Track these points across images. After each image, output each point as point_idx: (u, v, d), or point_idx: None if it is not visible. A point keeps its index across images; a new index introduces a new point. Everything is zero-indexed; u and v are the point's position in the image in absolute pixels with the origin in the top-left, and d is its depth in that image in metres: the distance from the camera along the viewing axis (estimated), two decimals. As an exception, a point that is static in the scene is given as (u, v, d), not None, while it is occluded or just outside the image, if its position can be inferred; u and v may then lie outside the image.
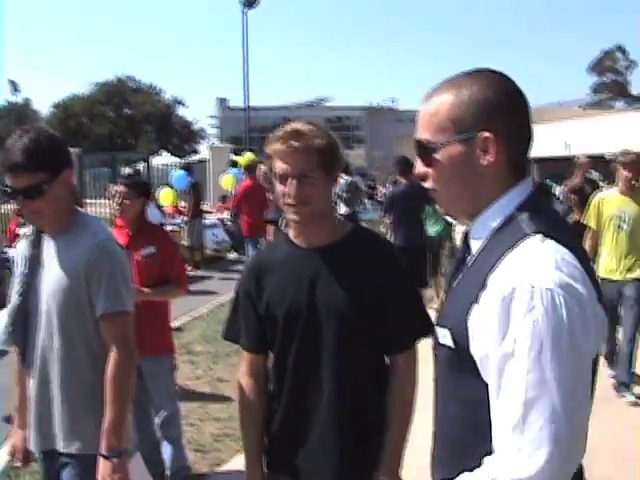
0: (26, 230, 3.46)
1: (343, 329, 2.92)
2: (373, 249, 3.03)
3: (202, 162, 27.69)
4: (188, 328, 11.59)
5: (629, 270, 7.91)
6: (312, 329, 2.94)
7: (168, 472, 5.70)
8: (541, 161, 11.84)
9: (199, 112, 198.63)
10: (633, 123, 40.50)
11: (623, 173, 7.85)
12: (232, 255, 20.35)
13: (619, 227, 7.95)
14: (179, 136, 73.90)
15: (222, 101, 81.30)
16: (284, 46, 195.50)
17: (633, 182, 7.87)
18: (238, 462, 6.27)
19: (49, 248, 3.32)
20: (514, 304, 1.75)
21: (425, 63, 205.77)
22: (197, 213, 18.51)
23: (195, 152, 45.30)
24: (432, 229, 10.72)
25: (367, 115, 75.11)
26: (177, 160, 29.15)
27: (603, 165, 14.52)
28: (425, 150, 2.01)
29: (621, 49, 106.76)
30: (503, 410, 1.76)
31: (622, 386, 7.90)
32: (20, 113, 71.80)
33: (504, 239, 1.88)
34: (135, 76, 77.21)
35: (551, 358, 1.70)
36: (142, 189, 5.77)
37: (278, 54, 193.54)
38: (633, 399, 7.84)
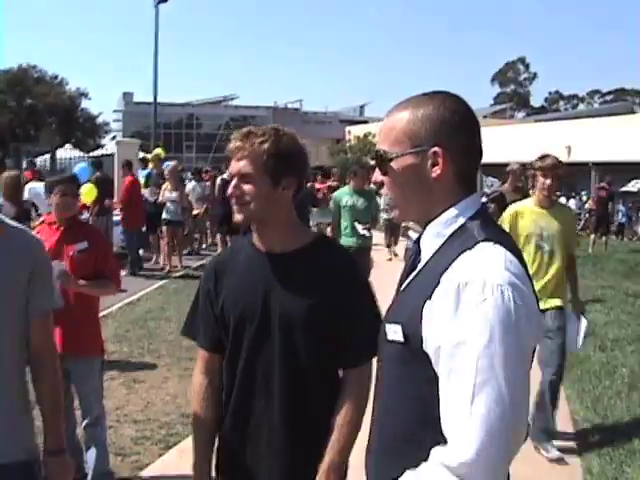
0: None
1: (292, 339, 2.91)
2: (331, 261, 3.03)
3: (108, 156, 27.21)
4: (99, 327, 11.33)
5: (550, 297, 6.78)
6: (263, 335, 2.94)
7: (89, 477, 5.59)
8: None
9: (103, 106, 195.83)
10: (532, 133, 41.76)
11: (542, 180, 6.72)
12: (140, 252, 20.09)
13: (539, 247, 6.83)
14: (83, 129, 72.31)
15: (127, 95, 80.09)
16: (192, 43, 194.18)
17: (551, 193, 6.84)
18: (160, 466, 6.25)
19: None
20: (467, 296, 1.90)
21: (330, 65, 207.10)
22: (103, 210, 18.07)
23: (100, 146, 44.51)
24: (347, 240, 10.70)
25: (272, 115, 74.98)
26: (82, 154, 28.63)
27: (501, 173, 14.86)
28: (382, 160, 2.20)
29: (523, 61, 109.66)
30: (453, 395, 1.88)
31: (544, 436, 6.75)
32: None
33: (457, 244, 2.04)
34: (38, 65, 75.53)
35: (499, 346, 1.84)
36: (79, 185, 5.91)
37: (185, 51, 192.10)
38: (557, 455, 6.67)
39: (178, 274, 17.03)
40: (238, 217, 2.96)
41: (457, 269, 1.97)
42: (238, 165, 2.90)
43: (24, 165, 24.90)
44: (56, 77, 75.25)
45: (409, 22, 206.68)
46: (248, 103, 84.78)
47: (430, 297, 1.99)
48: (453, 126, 2.12)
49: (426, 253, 2.17)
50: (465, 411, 1.84)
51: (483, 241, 2.02)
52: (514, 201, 8.67)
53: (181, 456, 6.14)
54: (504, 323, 1.85)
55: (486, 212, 2.20)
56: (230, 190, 2.93)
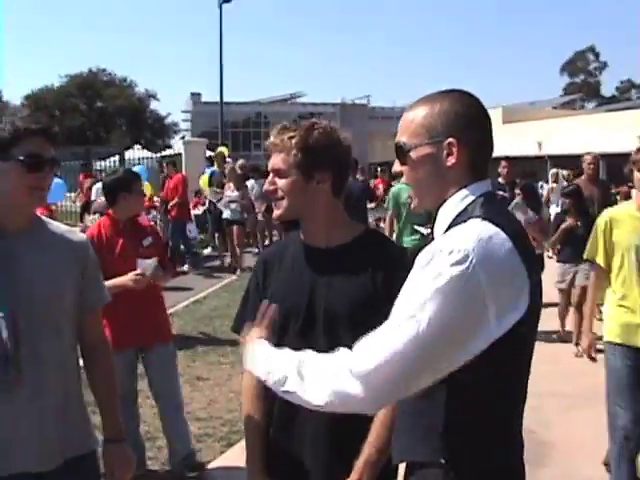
0: None
1: (337, 335, 2.85)
2: (380, 255, 2.98)
3: (177, 156, 27.45)
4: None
5: None
6: (307, 332, 2.91)
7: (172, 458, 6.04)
8: (512, 160, 11.93)
9: (172, 106, 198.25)
10: (604, 124, 40.86)
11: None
12: (206, 251, 20.25)
13: None
14: (152, 130, 73.58)
15: (195, 95, 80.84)
16: (258, 42, 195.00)
17: None
18: (221, 463, 6.27)
19: (15, 245, 3.03)
20: (434, 261, 2.09)
21: (398, 61, 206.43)
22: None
23: (168, 147, 45.01)
24: (407, 239, 10.51)
25: (340, 111, 74.98)
26: (150, 154, 28.97)
27: (575, 164, 14.51)
28: (402, 150, 2.40)
29: (593, 50, 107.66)
30: (387, 322, 2.17)
31: None
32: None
33: (456, 222, 2.25)
34: (108, 69, 76.79)
35: (441, 298, 2.04)
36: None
37: (252, 50, 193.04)
38: None
39: (244, 272, 17.08)
40: (275, 213, 2.99)
41: (437, 241, 2.19)
42: (272, 161, 2.94)
43: (95, 167, 25.31)
44: (125, 80, 76.68)
45: (475, 14, 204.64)
46: (315, 100, 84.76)
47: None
48: (466, 121, 2.33)
49: (437, 235, 2.34)
50: (382, 334, 2.14)
51: (474, 217, 2.20)
52: (592, 195, 8.23)
53: (243, 453, 6.08)
54: (456, 285, 2.04)
55: (491, 194, 2.37)
56: (265, 186, 2.99)
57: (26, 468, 3.02)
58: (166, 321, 6.29)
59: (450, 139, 2.30)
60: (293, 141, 2.88)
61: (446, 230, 2.27)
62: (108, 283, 5.30)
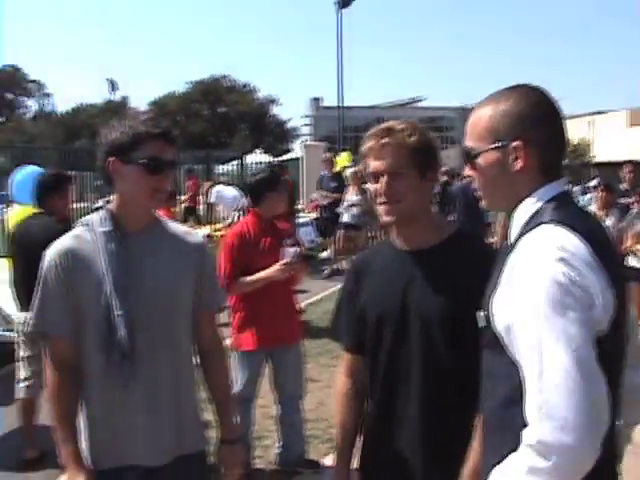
0: (97, 221, 3.12)
1: (431, 338, 2.84)
2: (471, 255, 2.90)
3: (295, 160, 27.69)
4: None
5: None
6: (401, 335, 2.90)
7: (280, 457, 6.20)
8: (638, 165, 11.54)
9: (293, 111, 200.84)
10: None
11: None
12: (324, 254, 20.28)
13: None
14: (273, 135, 74.59)
15: (315, 100, 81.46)
16: (378, 46, 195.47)
17: None
18: (325, 465, 6.23)
19: (135, 245, 3.11)
20: (516, 278, 2.02)
21: (520, 63, 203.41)
22: (291, 211, 18.43)
23: (288, 151, 45.50)
24: None
25: (460, 116, 74.39)
26: (270, 159, 29.30)
27: None
28: (469, 156, 2.32)
29: None
30: (524, 375, 1.96)
31: None
32: (117, 111, 73.32)
33: (527, 228, 2.14)
34: (230, 75, 78.11)
35: (556, 321, 1.89)
36: None
37: (372, 54, 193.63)
38: None
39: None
40: (388, 218, 2.88)
41: (516, 252, 2.08)
42: (386, 162, 2.83)
43: (217, 170, 25.78)
44: (247, 85, 77.84)
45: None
46: (436, 104, 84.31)
47: (499, 282, 2.13)
48: (533, 119, 2.20)
49: (512, 241, 2.24)
50: (534, 388, 1.90)
51: (546, 223, 2.08)
52: None
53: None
54: (549, 301, 1.91)
55: (565, 195, 2.24)
56: (381, 189, 2.85)
57: (138, 462, 3.10)
58: (299, 321, 6.43)
59: (516, 142, 2.19)
60: (411, 139, 2.82)
61: (518, 237, 2.18)
62: (253, 277, 5.60)
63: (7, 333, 10.08)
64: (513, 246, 2.15)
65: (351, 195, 16.88)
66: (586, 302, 1.93)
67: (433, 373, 2.83)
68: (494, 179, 2.28)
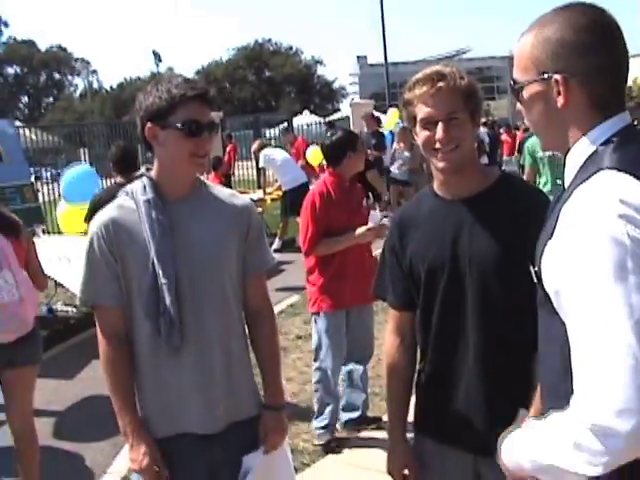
0: (139, 190, 3.09)
1: (486, 285, 2.75)
2: (522, 199, 2.81)
3: (343, 119, 27.56)
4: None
5: None
6: (455, 285, 2.80)
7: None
8: None
9: (339, 71, 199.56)
10: None
11: None
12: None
13: None
14: (320, 95, 74.49)
15: (361, 58, 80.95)
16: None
17: None
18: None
19: (178, 211, 3.06)
20: (576, 233, 1.75)
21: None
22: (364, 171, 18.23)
23: (337, 110, 45.41)
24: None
25: (509, 64, 73.42)
26: (318, 119, 29.21)
27: None
28: (514, 89, 2.08)
29: None
30: (572, 341, 1.73)
31: None
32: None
33: (583, 175, 1.87)
34: (273, 39, 78.07)
35: (615, 287, 1.64)
36: None
37: (415, 7, 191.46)
38: None
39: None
40: (444, 165, 2.76)
41: (572, 204, 1.82)
42: (442, 107, 2.72)
43: (268, 134, 25.78)
44: (291, 48, 77.74)
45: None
46: (482, 55, 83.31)
47: (551, 235, 1.88)
48: (577, 47, 1.90)
49: (566, 186, 1.99)
50: (588, 362, 1.66)
51: (606, 169, 1.81)
52: None
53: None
54: (608, 264, 1.66)
55: (627, 133, 1.93)
56: (440, 134, 2.71)
57: (192, 429, 3.07)
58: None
59: (557, 75, 1.91)
60: (464, 83, 2.73)
61: (572, 184, 1.91)
62: (340, 238, 5.58)
63: (68, 308, 10.28)
64: (567, 194, 1.89)
65: (400, 152, 16.70)
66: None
67: (490, 323, 2.76)
68: (540, 115, 2.03)
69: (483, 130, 18.90)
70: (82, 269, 3.11)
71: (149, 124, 2.95)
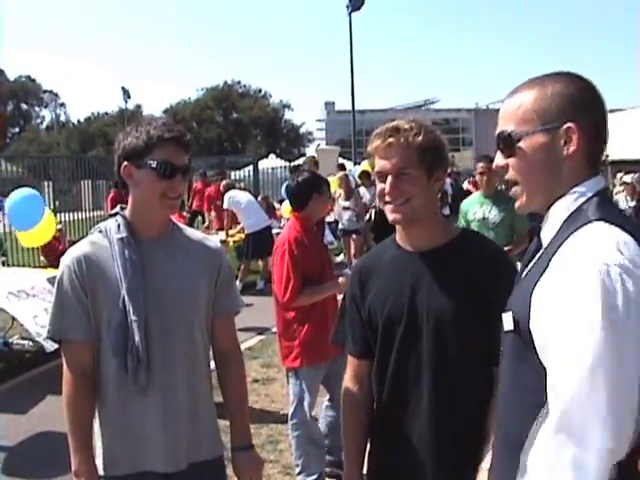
0: (112, 227, 3.13)
1: (443, 338, 2.79)
2: (481, 254, 2.87)
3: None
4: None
5: None
6: (411, 336, 2.84)
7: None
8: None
9: (306, 116, 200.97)
10: None
11: None
12: (339, 258, 20.28)
13: None
14: (287, 140, 74.75)
15: (329, 104, 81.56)
16: (390, 50, 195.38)
17: None
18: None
19: (150, 251, 3.11)
20: (571, 277, 1.81)
21: (534, 64, 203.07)
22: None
23: (303, 155, 45.61)
24: None
25: (474, 117, 74.27)
26: (283, 163, 29.32)
27: None
28: (509, 141, 2.10)
29: None
30: (562, 374, 1.79)
31: None
32: (131, 119, 73.65)
33: (570, 226, 1.96)
34: (242, 81, 78.39)
35: (609, 331, 1.73)
36: None
37: (384, 58, 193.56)
38: None
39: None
40: (395, 216, 2.81)
41: (565, 252, 1.91)
42: (392, 161, 2.78)
43: (233, 176, 25.79)
44: (260, 91, 78.06)
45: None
46: (449, 106, 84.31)
47: (538, 281, 1.94)
48: (583, 103, 2.04)
49: (546, 239, 2.08)
50: (579, 403, 1.75)
51: (596, 220, 1.93)
52: None
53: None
54: (607, 306, 1.75)
55: (605, 192, 2.08)
56: (387, 188, 2.79)
57: (154, 468, 3.08)
58: None
59: (569, 124, 2.00)
60: (418, 139, 2.77)
61: (557, 234, 2.00)
62: (320, 288, 5.49)
63: (24, 342, 10.17)
64: (556, 244, 1.96)
65: (342, 200, 16.40)
66: None
67: (444, 375, 2.79)
68: (537, 166, 2.07)
69: (448, 181, 18.94)
70: (52, 303, 3.14)
71: (125, 163, 3.01)
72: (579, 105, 2.03)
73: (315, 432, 5.64)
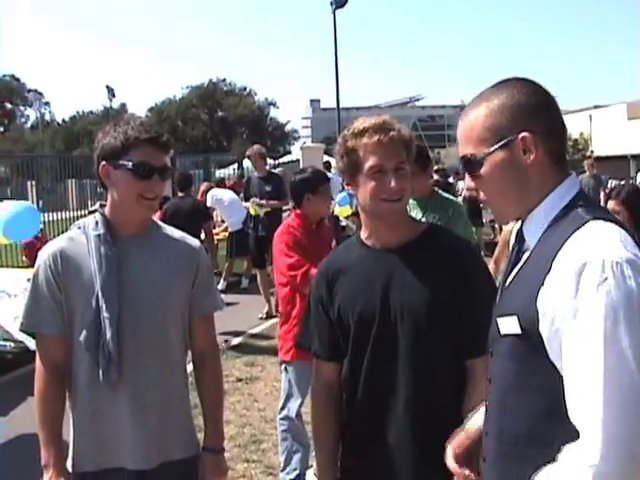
0: (90, 224, 3.13)
1: (418, 334, 2.77)
2: (449, 248, 2.87)
3: (294, 162, 27.62)
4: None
5: None
6: (385, 335, 2.81)
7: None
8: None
9: (291, 114, 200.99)
10: None
11: None
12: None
13: None
14: (272, 137, 74.67)
15: (314, 102, 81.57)
16: (375, 46, 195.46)
17: None
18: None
19: (127, 248, 3.10)
20: (585, 277, 1.79)
21: (518, 56, 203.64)
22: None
23: (288, 153, 45.61)
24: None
25: (459, 113, 74.54)
26: (270, 161, 29.29)
27: None
28: (471, 164, 2.11)
29: None
30: (582, 383, 1.76)
31: None
32: (116, 117, 73.51)
33: (564, 227, 1.95)
34: (228, 79, 78.30)
35: (626, 327, 1.72)
36: None
37: (369, 54, 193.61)
38: None
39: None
40: (390, 215, 2.79)
41: (569, 251, 1.88)
42: (394, 157, 2.75)
43: (216, 174, 25.71)
44: (245, 89, 78.03)
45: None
46: (434, 103, 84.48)
47: (543, 283, 1.90)
48: (532, 108, 2.05)
49: (531, 242, 2.08)
50: (597, 400, 1.71)
51: (593, 220, 1.92)
52: None
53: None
54: (628, 303, 1.75)
55: (585, 194, 2.10)
56: (394, 184, 2.73)
57: (124, 464, 3.07)
58: None
59: (523, 133, 2.00)
60: (405, 134, 2.78)
61: (545, 235, 2.00)
62: None
63: (5, 343, 10.09)
64: (557, 244, 1.92)
65: None
66: None
67: (422, 372, 2.77)
68: (506, 182, 2.07)
69: (435, 177, 19.06)
70: (26, 296, 3.14)
71: (103, 162, 3.02)
72: (528, 111, 2.04)
73: (299, 430, 5.62)
